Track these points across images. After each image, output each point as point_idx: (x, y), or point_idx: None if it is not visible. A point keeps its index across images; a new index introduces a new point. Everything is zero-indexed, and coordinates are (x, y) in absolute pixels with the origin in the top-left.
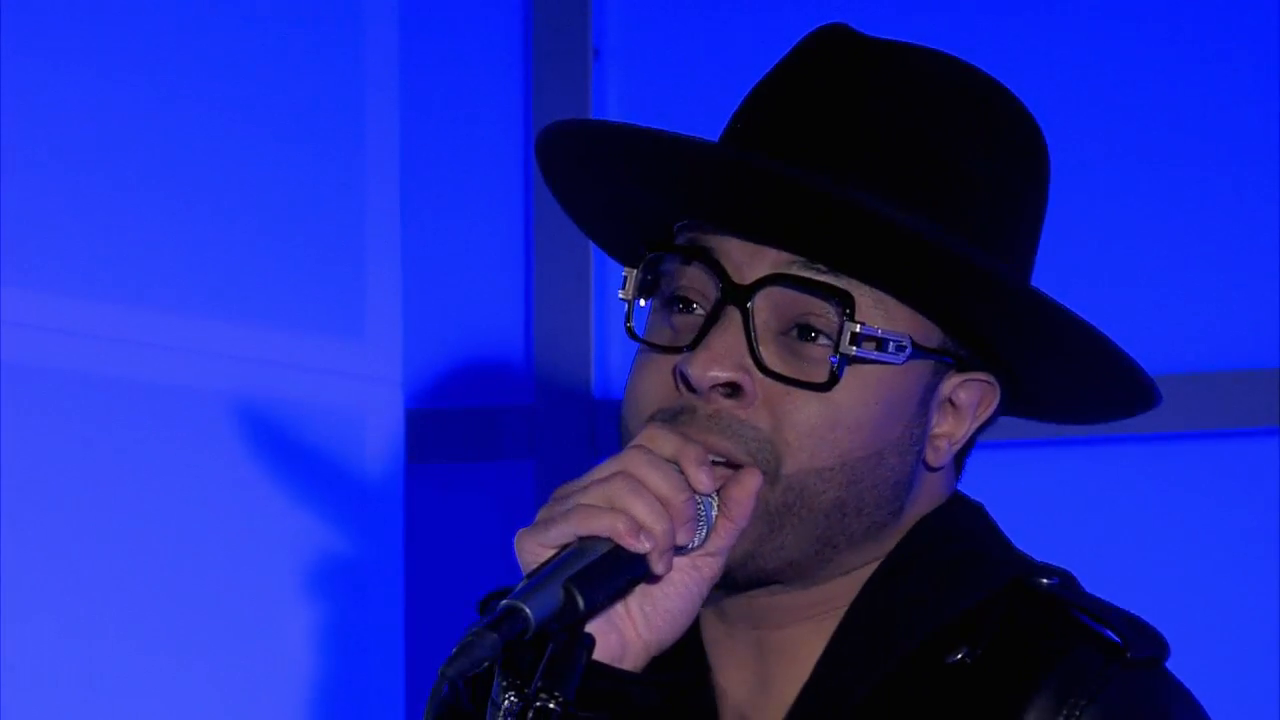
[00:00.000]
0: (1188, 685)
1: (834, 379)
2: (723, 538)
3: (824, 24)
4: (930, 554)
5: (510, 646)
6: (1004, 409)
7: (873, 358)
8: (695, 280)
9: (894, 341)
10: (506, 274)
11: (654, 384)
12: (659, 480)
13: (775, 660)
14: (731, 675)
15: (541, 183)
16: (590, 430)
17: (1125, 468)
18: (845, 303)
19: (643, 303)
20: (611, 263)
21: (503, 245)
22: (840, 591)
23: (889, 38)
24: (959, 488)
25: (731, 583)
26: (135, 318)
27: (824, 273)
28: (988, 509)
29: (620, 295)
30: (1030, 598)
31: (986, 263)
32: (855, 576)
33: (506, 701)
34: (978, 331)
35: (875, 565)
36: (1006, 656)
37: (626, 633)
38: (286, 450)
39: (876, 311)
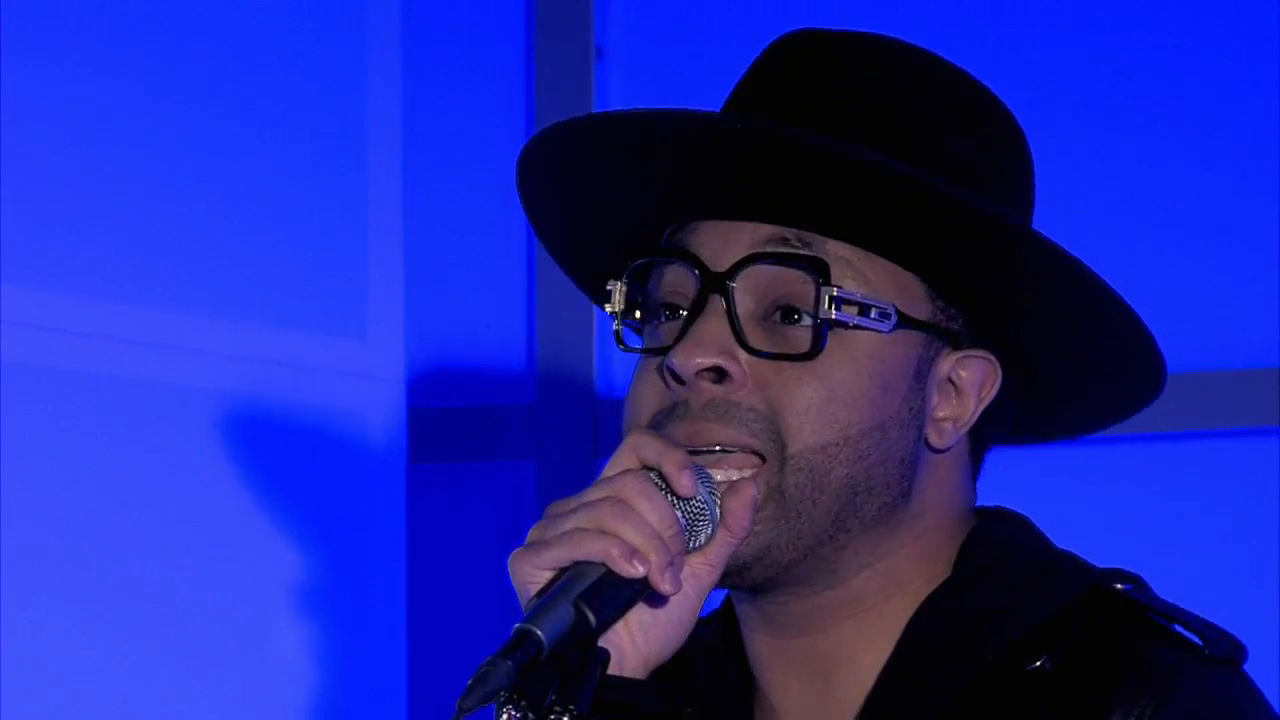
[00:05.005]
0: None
1: (817, 346)
2: (721, 546)
3: (791, 30)
4: (999, 566)
5: (525, 671)
6: (1013, 402)
7: (855, 323)
8: (677, 282)
9: (877, 308)
10: (508, 273)
11: (647, 389)
12: (649, 511)
13: (833, 670)
14: (788, 689)
15: None
16: (592, 430)
17: (1125, 468)
18: (820, 270)
19: (638, 315)
20: None
21: (504, 244)
22: (869, 589)
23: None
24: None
25: (751, 581)
26: (135, 318)
27: (799, 247)
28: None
29: (607, 309)
30: (1107, 603)
31: (963, 195)
32: (880, 571)
33: (505, 716)
34: (966, 285)
35: (894, 557)
36: (1087, 660)
37: (623, 645)
38: (288, 450)
39: (856, 279)
